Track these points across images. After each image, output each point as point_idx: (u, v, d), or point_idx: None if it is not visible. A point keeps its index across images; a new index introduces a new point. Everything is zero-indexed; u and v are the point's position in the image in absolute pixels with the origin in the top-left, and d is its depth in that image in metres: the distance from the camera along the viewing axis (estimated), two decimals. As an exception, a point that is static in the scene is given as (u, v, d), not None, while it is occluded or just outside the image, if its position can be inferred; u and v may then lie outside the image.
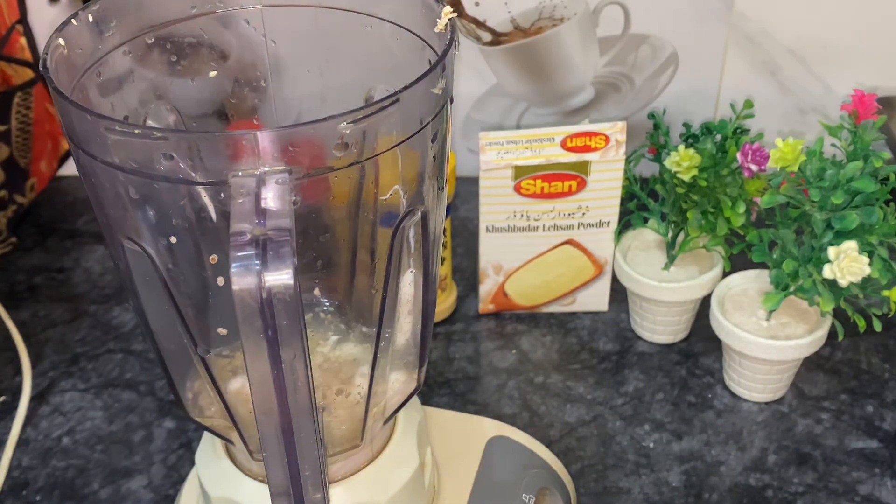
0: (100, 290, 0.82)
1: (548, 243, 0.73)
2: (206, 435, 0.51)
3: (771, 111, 0.87)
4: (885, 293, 0.61)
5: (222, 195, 0.37)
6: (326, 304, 0.51)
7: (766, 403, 0.69)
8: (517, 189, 0.70)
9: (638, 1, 0.81)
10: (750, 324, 0.67)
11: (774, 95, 0.87)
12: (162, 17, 0.47)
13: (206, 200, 0.39)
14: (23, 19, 0.84)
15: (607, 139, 0.69)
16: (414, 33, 0.45)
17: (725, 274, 0.71)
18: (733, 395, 0.70)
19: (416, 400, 0.52)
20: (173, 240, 0.41)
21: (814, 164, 0.60)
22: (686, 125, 0.70)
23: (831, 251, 0.60)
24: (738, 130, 0.69)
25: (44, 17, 0.85)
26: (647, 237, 0.76)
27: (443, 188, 0.46)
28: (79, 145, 0.39)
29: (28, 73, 0.83)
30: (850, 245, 0.59)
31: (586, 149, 0.69)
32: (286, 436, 0.39)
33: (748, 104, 0.69)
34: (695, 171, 0.66)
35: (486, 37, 0.84)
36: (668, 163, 0.67)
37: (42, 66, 0.40)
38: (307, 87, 0.51)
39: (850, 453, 0.65)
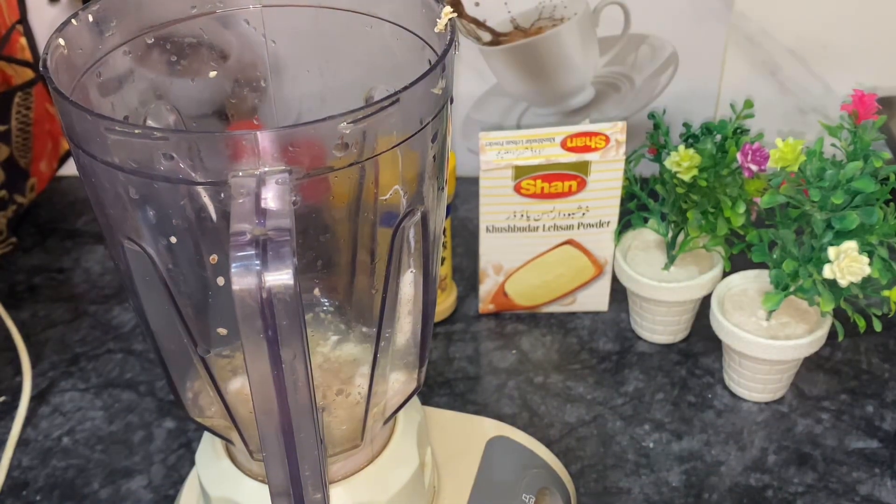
0: (100, 290, 0.82)
1: (548, 243, 0.73)
2: (206, 435, 0.51)
3: (771, 111, 0.87)
4: (885, 293, 0.61)
5: (222, 195, 0.37)
6: (326, 304, 0.51)
7: (766, 403, 0.69)
8: (517, 189, 0.70)
9: (638, 1, 0.81)
10: (750, 324, 0.67)
11: (774, 95, 0.87)
12: (162, 17, 0.47)
13: (206, 200, 0.39)
14: (23, 19, 0.84)
15: (607, 139, 0.69)
16: (414, 33, 0.45)
17: (725, 274, 0.71)
18: (733, 395, 0.70)
19: (416, 400, 0.52)
20: (173, 240, 0.41)
21: (814, 164, 0.60)
22: (686, 125, 0.70)
23: (831, 251, 0.60)
24: (738, 130, 0.69)
25: (44, 17, 0.85)
26: (647, 237, 0.75)
27: (443, 188, 0.46)
28: (79, 145, 0.38)
29: (28, 73, 0.83)
30: (850, 245, 0.59)
31: (586, 149, 0.69)
32: (286, 436, 0.39)
33: (748, 104, 0.69)
34: (695, 171, 0.66)
35: (486, 37, 0.83)
36: (668, 163, 0.67)
37: (42, 66, 0.40)
38: (307, 87, 0.51)
39: (850, 453, 0.65)
